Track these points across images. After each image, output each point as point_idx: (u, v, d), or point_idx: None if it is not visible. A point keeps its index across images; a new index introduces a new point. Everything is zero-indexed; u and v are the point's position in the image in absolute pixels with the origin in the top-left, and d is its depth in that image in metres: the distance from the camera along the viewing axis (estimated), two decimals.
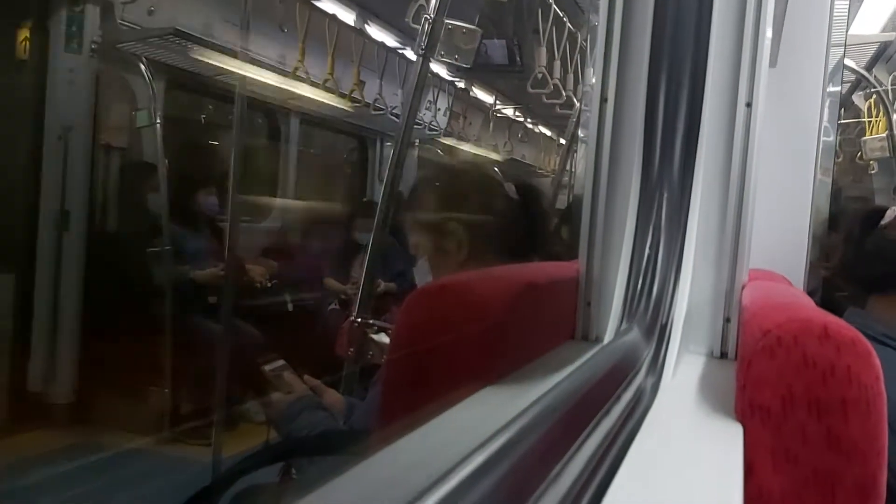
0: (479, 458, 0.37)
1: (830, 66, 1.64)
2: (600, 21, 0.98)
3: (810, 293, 1.51)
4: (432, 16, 1.90)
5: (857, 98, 5.19)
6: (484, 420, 0.46)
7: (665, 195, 0.91)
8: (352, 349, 1.87)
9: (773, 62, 1.48)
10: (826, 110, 1.75)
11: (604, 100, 0.97)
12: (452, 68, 4.80)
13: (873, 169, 5.00)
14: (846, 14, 1.83)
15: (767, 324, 0.62)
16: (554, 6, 3.61)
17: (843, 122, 5.54)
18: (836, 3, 1.61)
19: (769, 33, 0.94)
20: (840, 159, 5.75)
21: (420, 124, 5.38)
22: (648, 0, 0.97)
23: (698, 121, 0.93)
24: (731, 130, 0.91)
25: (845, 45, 1.75)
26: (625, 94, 0.97)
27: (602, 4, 0.97)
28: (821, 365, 0.58)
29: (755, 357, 0.60)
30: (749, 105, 0.92)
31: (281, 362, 1.47)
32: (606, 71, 0.97)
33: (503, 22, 4.17)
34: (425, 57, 1.94)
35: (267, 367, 1.44)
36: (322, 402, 1.42)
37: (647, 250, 0.90)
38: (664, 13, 0.95)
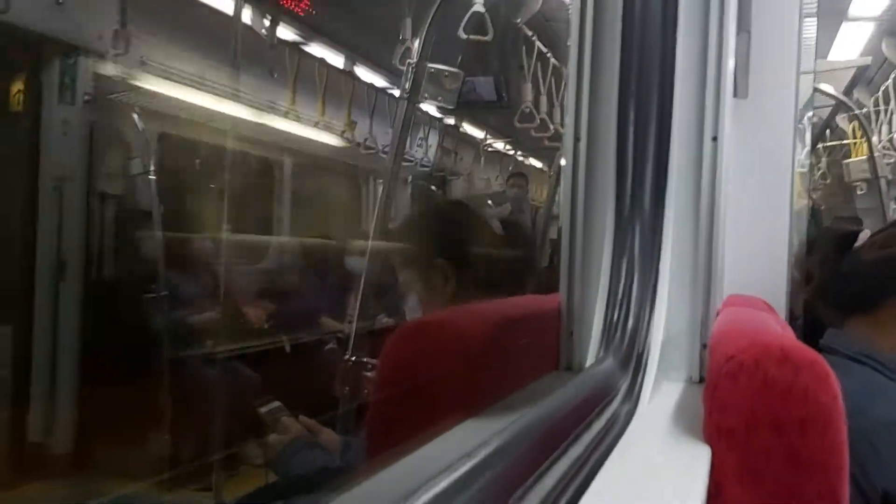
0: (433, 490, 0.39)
1: (803, 93, 1.69)
2: (570, 63, 1.02)
3: (793, 315, 1.54)
4: (415, 59, 1.97)
5: (842, 120, 5.27)
6: (458, 453, 0.49)
7: (637, 228, 0.95)
8: (347, 388, 1.89)
9: (744, 93, 1.52)
10: (807, 135, 1.79)
11: (577, 139, 1.01)
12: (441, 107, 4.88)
13: (862, 189, 5.06)
14: (814, 41, 1.88)
15: (731, 349, 0.65)
16: (537, 42, 3.69)
17: (829, 144, 5.62)
18: (804, 30, 1.66)
19: (731, 65, 0.99)
20: (828, 181, 5.82)
21: (411, 161, 5.45)
22: (615, 42, 1.01)
23: (667, 156, 0.97)
24: (699, 165, 0.95)
25: (815, 72, 1.81)
26: (597, 133, 1.01)
27: (572, 48, 1.02)
28: (780, 386, 0.61)
29: (720, 382, 0.63)
30: (715, 139, 0.95)
31: (276, 404, 1.48)
32: (579, 110, 1.01)
33: (489, 59, 4.25)
34: (409, 100, 2.00)
35: (262, 410, 1.46)
36: (318, 442, 1.43)
37: (622, 281, 0.93)
38: (630, 55, 1.00)
